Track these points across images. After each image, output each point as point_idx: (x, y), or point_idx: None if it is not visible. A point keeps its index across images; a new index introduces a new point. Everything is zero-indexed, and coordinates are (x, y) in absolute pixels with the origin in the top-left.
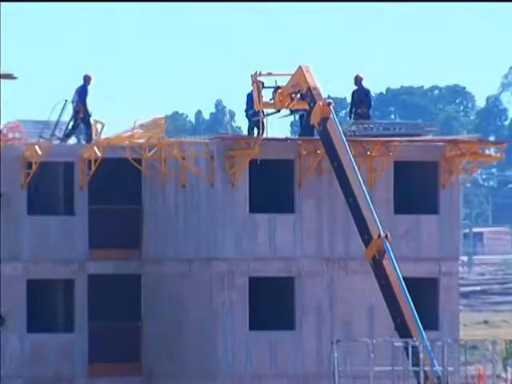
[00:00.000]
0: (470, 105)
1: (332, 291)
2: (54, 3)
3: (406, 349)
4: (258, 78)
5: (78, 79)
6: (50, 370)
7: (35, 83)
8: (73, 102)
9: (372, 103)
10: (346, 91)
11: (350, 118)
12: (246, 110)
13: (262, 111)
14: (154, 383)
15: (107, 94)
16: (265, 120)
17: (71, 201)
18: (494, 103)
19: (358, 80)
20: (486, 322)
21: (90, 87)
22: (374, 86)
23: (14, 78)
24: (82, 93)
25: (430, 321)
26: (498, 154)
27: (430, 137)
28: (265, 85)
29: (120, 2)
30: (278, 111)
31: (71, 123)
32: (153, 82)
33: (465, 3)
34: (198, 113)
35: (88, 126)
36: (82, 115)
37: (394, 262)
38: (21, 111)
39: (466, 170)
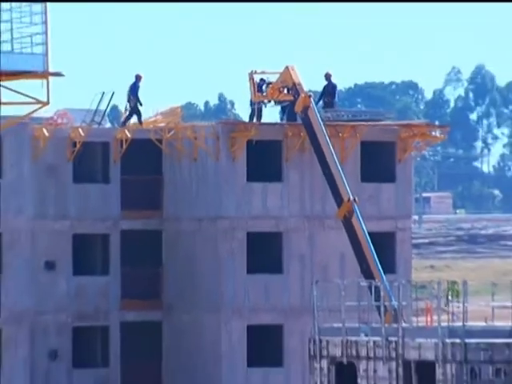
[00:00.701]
0: (420, 96)
1: (312, 243)
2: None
3: (370, 288)
4: (255, 75)
5: (111, 73)
6: (90, 305)
7: (78, 77)
8: (128, 95)
9: (336, 95)
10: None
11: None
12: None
13: (258, 102)
14: (172, 315)
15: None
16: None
17: (107, 172)
18: (439, 95)
19: (327, 76)
20: (432, 267)
21: (140, 83)
22: (345, 82)
23: (62, 75)
24: (133, 88)
25: (389, 266)
26: (442, 136)
27: (388, 122)
28: (265, 81)
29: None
30: (269, 102)
31: (127, 111)
32: (171, 78)
33: (417, 7)
34: (206, 103)
35: (132, 113)
36: (132, 104)
37: (361, 219)
38: (67, 101)
39: (417, 147)
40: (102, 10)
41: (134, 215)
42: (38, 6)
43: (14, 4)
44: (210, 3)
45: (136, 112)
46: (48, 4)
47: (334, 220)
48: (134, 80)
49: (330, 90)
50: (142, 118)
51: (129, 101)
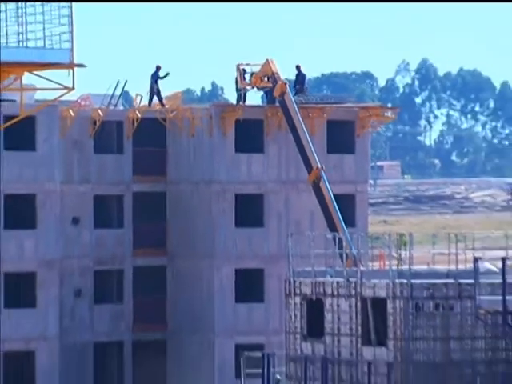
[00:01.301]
0: (375, 84)
1: (287, 203)
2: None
3: (334, 239)
4: (241, 67)
5: (124, 64)
6: (108, 252)
7: (98, 67)
8: (151, 81)
9: (305, 83)
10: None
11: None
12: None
13: (243, 88)
14: (175, 261)
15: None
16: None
17: (121, 145)
18: (390, 83)
19: (298, 67)
20: (384, 222)
21: (159, 72)
22: (313, 72)
23: (85, 66)
24: (154, 77)
25: (349, 221)
26: (393, 116)
27: (349, 104)
28: (246, 71)
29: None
30: (253, 88)
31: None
32: (174, 68)
33: (373, 9)
34: (202, 89)
35: (153, 95)
36: (155, 91)
37: (327, 184)
38: (89, 87)
39: (373, 125)
40: (120, 11)
41: (144, 180)
42: (65, 10)
43: (46, 8)
44: (206, 4)
45: (157, 95)
46: (74, 7)
47: (305, 184)
48: (154, 70)
49: (300, 79)
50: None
51: (151, 86)
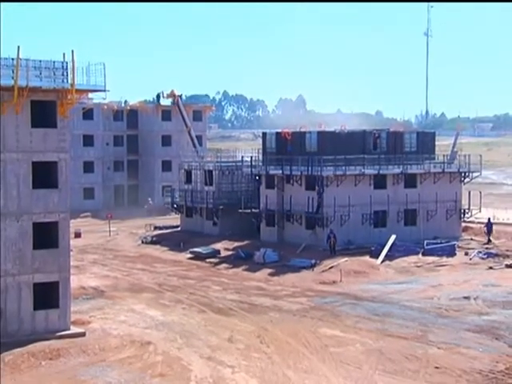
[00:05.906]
0: (210, 99)
1: (180, 136)
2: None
3: (196, 150)
4: (164, 92)
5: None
6: (119, 154)
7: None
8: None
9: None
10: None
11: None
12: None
13: (165, 98)
14: (142, 157)
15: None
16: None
17: (123, 117)
18: (218, 100)
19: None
20: (215, 147)
21: (160, 95)
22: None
23: (109, 90)
24: (158, 96)
25: (200, 142)
26: (213, 109)
27: (201, 104)
28: (164, 93)
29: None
30: (167, 98)
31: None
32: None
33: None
34: (153, 99)
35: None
36: (159, 101)
37: (192, 132)
38: (109, 96)
39: (204, 111)
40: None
41: (131, 130)
42: (102, 66)
43: (96, 66)
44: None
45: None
46: (105, 64)
47: (184, 131)
48: (159, 93)
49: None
50: (135, 101)
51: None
